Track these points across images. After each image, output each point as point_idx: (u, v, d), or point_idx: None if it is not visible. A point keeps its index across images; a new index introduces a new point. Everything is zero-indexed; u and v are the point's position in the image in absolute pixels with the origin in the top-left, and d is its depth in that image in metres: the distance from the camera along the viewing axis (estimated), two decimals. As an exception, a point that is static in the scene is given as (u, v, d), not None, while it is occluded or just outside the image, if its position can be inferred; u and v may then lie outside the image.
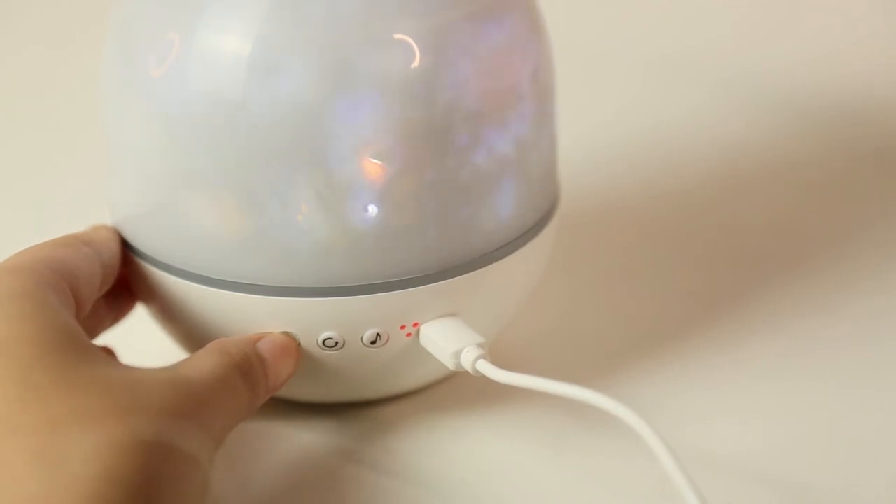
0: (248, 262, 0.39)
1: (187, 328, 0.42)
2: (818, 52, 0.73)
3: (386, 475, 0.41)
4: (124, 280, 0.43)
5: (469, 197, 0.39)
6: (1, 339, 0.34)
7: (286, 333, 0.40)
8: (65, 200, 0.61)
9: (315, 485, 0.41)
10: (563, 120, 0.45)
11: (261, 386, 0.38)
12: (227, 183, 0.38)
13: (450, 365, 0.40)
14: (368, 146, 0.38)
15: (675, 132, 0.65)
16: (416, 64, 0.38)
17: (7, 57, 0.78)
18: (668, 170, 0.62)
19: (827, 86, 0.70)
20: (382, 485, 0.41)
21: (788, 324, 0.49)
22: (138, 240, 0.41)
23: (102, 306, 0.42)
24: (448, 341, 0.40)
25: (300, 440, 0.43)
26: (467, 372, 0.40)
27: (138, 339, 0.45)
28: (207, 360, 0.37)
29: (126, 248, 0.42)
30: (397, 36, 0.38)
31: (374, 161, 0.38)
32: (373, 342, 0.40)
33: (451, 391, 0.45)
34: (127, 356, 0.43)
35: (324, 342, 0.40)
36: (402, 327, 0.40)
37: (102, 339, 0.44)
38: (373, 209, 0.38)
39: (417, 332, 0.40)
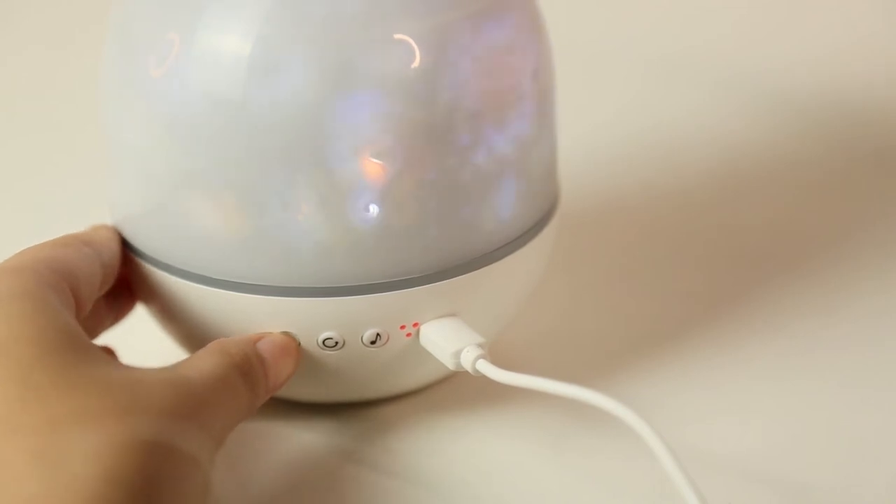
0: (248, 262, 0.39)
1: (187, 328, 0.42)
2: (818, 52, 0.73)
3: (386, 475, 0.41)
4: (124, 280, 0.43)
5: (469, 197, 0.39)
6: (1, 339, 0.34)
7: (286, 333, 0.40)
8: (65, 200, 0.61)
9: (315, 485, 0.41)
10: (563, 120, 0.45)
11: (261, 386, 0.38)
12: (227, 183, 0.38)
13: (450, 365, 0.40)
14: (369, 146, 0.38)
15: (675, 132, 0.65)
16: (416, 64, 0.38)
17: (7, 57, 0.78)
18: (668, 170, 0.62)
19: (827, 86, 0.70)
20: (382, 485, 0.41)
21: (788, 324, 0.49)
22: (138, 240, 0.41)
23: (102, 306, 0.42)
24: (448, 341, 0.40)
25: (300, 440, 0.43)
26: (467, 372, 0.40)
27: (138, 339, 0.45)
28: (207, 360, 0.37)
29: (126, 248, 0.42)
30: (398, 36, 0.38)
31: (375, 161, 0.38)
32: (373, 342, 0.40)
33: (451, 391, 0.45)
34: (127, 356, 0.43)
35: (324, 342, 0.40)
36: (402, 327, 0.40)
37: (102, 339, 0.44)
38: (373, 209, 0.38)
39: (417, 332, 0.40)
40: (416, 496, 0.40)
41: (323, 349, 0.40)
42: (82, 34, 0.68)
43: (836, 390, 0.45)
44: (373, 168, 0.38)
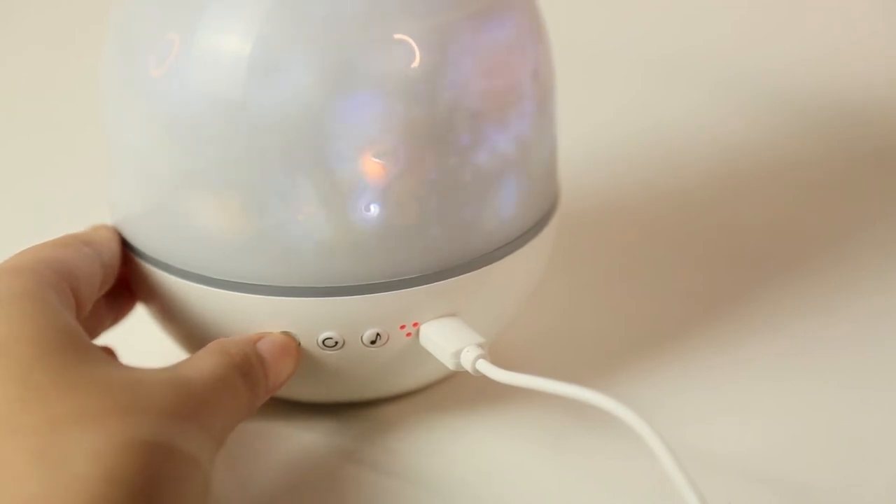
0: (248, 262, 0.39)
1: (187, 328, 0.42)
2: (818, 52, 0.73)
3: (386, 475, 0.41)
4: (124, 280, 0.43)
5: (469, 197, 0.39)
6: (1, 339, 0.34)
7: (286, 333, 0.40)
8: (65, 200, 0.61)
9: (315, 485, 0.41)
10: (563, 120, 0.45)
11: (261, 386, 0.38)
12: (227, 183, 0.38)
13: (450, 365, 0.40)
14: (369, 146, 0.38)
15: (675, 132, 0.65)
16: (416, 64, 0.38)
17: (7, 57, 0.78)
18: (668, 170, 0.62)
19: (827, 86, 0.70)
20: (382, 485, 0.41)
21: (788, 324, 0.49)
22: (138, 240, 0.41)
23: (102, 306, 0.42)
24: (448, 341, 0.40)
25: (300, 440, 0.43)
26: (467, 372, 0.40)
27: (138, 339, 0.45)
28: (207, 361, 0.37)
29: (126, 248, 0.42)
30: (398, 36, 0.38)
31: (375, 161, 0.38)
32: (373, 342, 0.40)
33: (451, 391, 0.45)
34: (127, 356, 0.43)
35: (324, 342, 0.40)
36: (402, 327, 0.40)
37: (102, 339, 0.44)
38: (374, 209, 0.38)
39: (417, 332, 0.40)
40: (416, 496, 0.40)
41: (323, 349, 0.40)
42: (82, 34, 0.68)
43: (836, 390, 0.45)
44: (373, 168, 0.38)
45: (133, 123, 0.40)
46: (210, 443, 0.35)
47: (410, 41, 0.38)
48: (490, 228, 0.40)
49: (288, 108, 0.37)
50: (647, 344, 0.47)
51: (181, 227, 0.40)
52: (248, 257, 0.39)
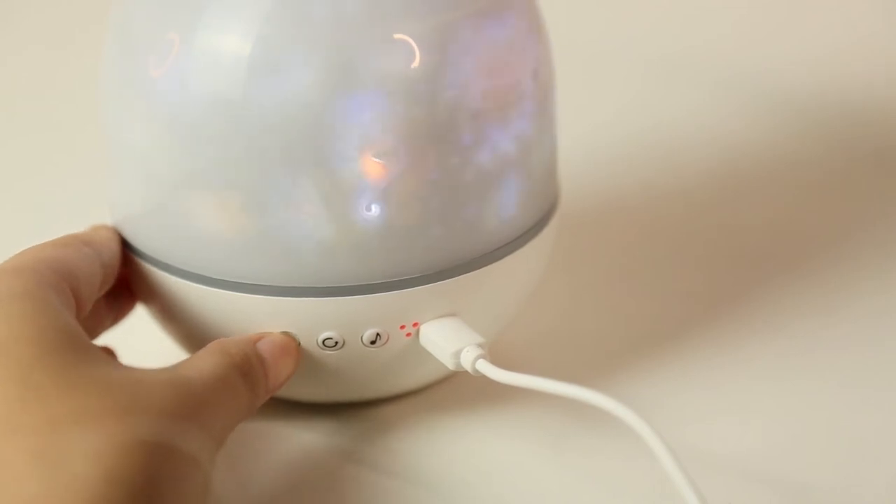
0: (248, 262, 0.39)
1: (187, 328, 0.42)
2: (818, 52, 0.73)
3: (386, 475, 0.41)
4: (124, 280, 0.43)
5: (470, 196, 0.39)
6: (1, 339, 0.34)
7: (286, 333, 0.40)
8: (65, 200, 0.61)
9: (315, 485, 0.41)
10: (563, 120, 0.45)
11: (261, 386, 0.38)
12: (227, 183, 0.38)
13: (450, 365, 0.40)
14: (370, 146, 0.38)
15: (675, 132, 0.65)
16: (417, 64, 0.38)
17: (7, 57, 0.78)
18: (668, 170, 0.62)
19: (827, 86, 0.70)
20: (382, 485, 0.41)
21: (788, 324, 0.49)
22: (138, 240, 0.41)
23: (102, 306, 0.42)
24: (448, 341, 0.40)
25: (300, 440, 0.43)
26: (467, 372, 0.40)
27: (138, 339, 0.45)
28: (207, 361, 0.37)
29: (126, 248, 0.42)
30: (398, 36, 0.38)
31: (376, 161, 0.38)
32: (373, 342, 0.40)
33: (451, 391, 0.45)
34: (127, 356, 0.43)
35: (324, 342, 0.40)
36: (402, 327, 0.40)
37: (102, 339, 0.44)
38: (374, 209, 0.38)
39: (417, 332, 0.40)
40: (416, 496, 0.40)
41: (323, 349, 0.40)
42: (82, 34, 0.68)
43: (836, 390, 0.45)
44: (373, 168, 0.38)
45: (133, 123, 0.40)
46: (210, 443, 0.35)
47: (411, 41, 0.38)
48: (490, 228, 0.40)
49: (288, 108, 0.37)
50: (647, 344, 0.47)
51: (181, 227, 0.40)
52: (249, 257, 0.39)
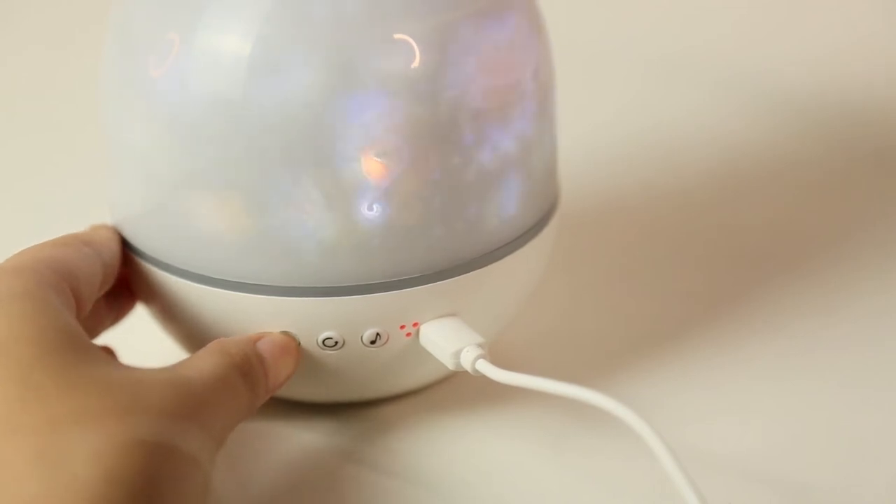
0: (248, 261, 0.39)
1: (187, 328, 0.42)
2: (818, 52, 0.73)
3: (386, 475, 0.41)
4: (124, 280, 0.43)
5: (470, 196, 0.39)
6: (1, 339, 0.34)
7: (286, 333, 0.40)
8: (65, 200, 0.61)
9: (315, 485, 0.41)
10: (563, 120, 0.45)
11: (261, 386, 0.38)
12: (227, 183, 0.38)
13: (449, 365, 0.40)
14: (371, 146, 0.38)
15: (675, 132, 0.65)
16: (417, 64, 0.38)
17: (7, 57, 0.78)
18: (668, 170, 0.62)
19: (827, 86, 0.70)
20: (382, 485, 0.41)
21: (788, 324, 0.49)
22: (138, 240, 0.41)
23: (102, 306, 0.42)
24: (448, 341, 0.40)
25: (300, 440, 0.43)
26: (467, 372, 0.40)
27: (138, 339, 0.45)
28: (207, 361, 0.37)
29: (126, 248, 0.42)
30: (398, 36, 0.38)
31: (377, 161, 0.38)
32: (373, 342, 0.40)
33: (451, 391, 0.45)
34: (127, 356, 0.43)
35: (324, 342, 0.40)
36: (402, 327, 0.40)
37: (102, 339, 0.44)
38: (375, 209, 0.38)
39: (417, 332, 0.40)
40: (416, 496, 0.40)
41: (323, 349, 0.40)
42: (82, 34, 0.68)
43: (836, 390, 0.45)
44: (374, 168, 0.38)
45: (133, 123, 0.40)
46: (210, 443, 0.35)
47: (411, 41, 0.38)
48: (490, 228, 0.40)
49: (288, 108, 0.37)
50: (647, 344, 0.47)
51: (181, 227, 0.40)
52: (249, 257, 0.39)
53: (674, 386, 0.45)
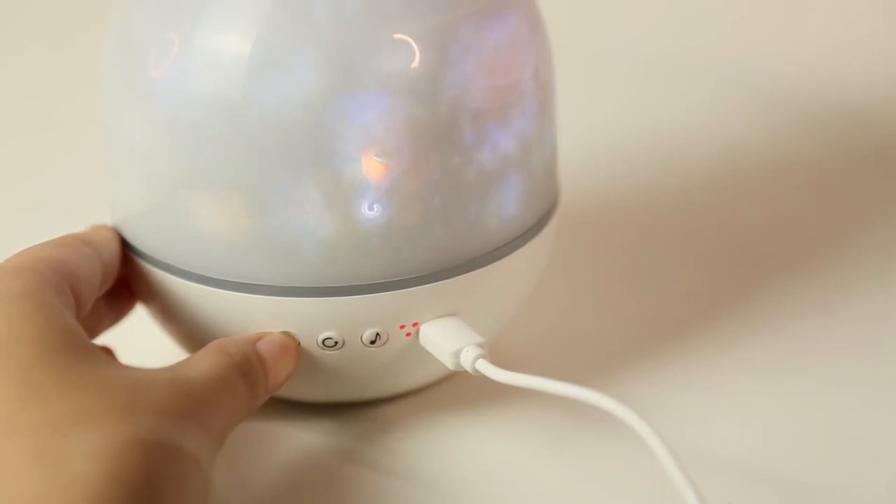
0: (248, 262, 0.39)
1: (187, 328, 0.42)
2: (818, 52, 0.73)
3: (386, 475, 0.41)
4: (124, 280, 0.43)
5: (471, 196, 0.39)
6: (1, 339, 0.34)
7: (286, 333, 0.40)
8: (65, 200, 0.61)
9: (315, 485, 0.41)
10: (563, 120, 0.45)
11: (260, 386, 0.38)
12: (227, 183, 0.38)
13: (449, 365, 0.40)
14: (370, 146, 0.38)
15: (675, 132, 0.65)
16: (417, 64, 0.38)
17: (7, 57, 0.78)
18: (668, 170, 0.62)
19: (827, 86, 0.70)
20: (382, 485, 0.41)
21: (788, 324, 0.49)
22: (138, 240, 0.41)
23: (102, 306, 0.42)
24: (448, 341, 0.40)
25: (300, 440, 0.43)
26: (467, 372, 0.40)
27: (138, 339, 0.45)
28: (207, 360, 0.37)
29: (126, 247, 0.42)
30: (398, 36, 0.38)
31: (377, 161, 0.38)
32: (372, 342, 0.40)
33: (451, 391, 0.45)
34: (127, 356, 0.43)
35: (323, 342, 0.40)
36: (402, 327, 0.40)
37: (102, 339, 0.44)
38: (376, 209, 0.38)
39: (417, 332, 0.40)
40: (416, 496, 0.40)
41: (323, 349, 0.40)
42: (82, 34, 0.68)
43: (836, 390, 0.45)
44: (374, 168, 0.38)
45: (133, 123, 0.40)
46: (210, 442, 0.35)
47: (411, 41, 0.38)
48: (490, 228, 0.40)
49: (288, 108, 0.37)
50: (647, 344, 0.47)
51: (181, 227, 0.40)
52: (249, 257, 0.39)
53: (674, 386, 0.45)
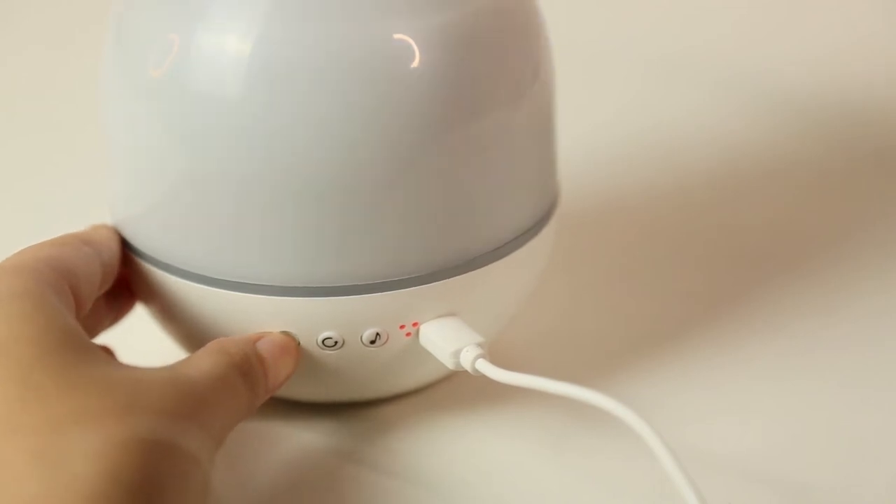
0: (248, 262, 0.39)
1: (187, 328, 0.42)
2: (818, 52, 0.73)
3: (386, 475, 0.41)
4: (124, 280, 0.43)
5: (471, 196, 0.39)
6: (1, 338, 0.34)
7: (286, 333, 0.40)
8: (65, 200, 0.61)
9: (315, 485, 0.41)
10: (563, 120, 0.45)
11: (260, 385, 0.38)
12: (227, 183, 0.38)
13: (449, 364, 0.40)
14: (369, 146, 0.38)
15: (675, 132, 0.65)
16: (416, 63, 0.38)
17: (7, 57, 0.78)
18: (668, 170, 0.62)
19: (827, 86, 0.70)
20: (382, 485, 0.41)
21: (788, 324, 0.49)
22: (138, 240, 0.41)
23: (102, 306, 0.42)
24: (447, 341, 0.40)
25: (300, 440, 0.43)
26: (467, 372, 0.40)
27: (138, 339, 0.45)
28: (207, 360, 0.37)
29: (126, 247, 0.42)
30: (398, 35, 0.38)
31: (375, 160, 0.38)
32: (372, 342, 0.40)
33: (451, 391, 0.45)
34: (127, 356, 0.43)
35: (323, 342, 0.40)
36: (402, 327, 0.40)
37: (102, 339, 0.43)
38: (375, 209, 0.38)
39: (417, 332, 0.40)
40: (416, 496, 0.40)
41: (322, 349, 0.40)
42: (82, 34, 0.68)
43: (836, 390, 0.45)
44: (373, 167, 0.38)
45: (133, 123, 0.40)
46: (210, 442, 0.35)
47: (410, 40, 0.38)
48: (490, 228, 0.40)
49: (287, 108, 0.37)
50: (647, 344, 0.47)
51: (181, 227, 0.40)
52: (249, 257, 0.39)
53: (674, 386, 0.45)
